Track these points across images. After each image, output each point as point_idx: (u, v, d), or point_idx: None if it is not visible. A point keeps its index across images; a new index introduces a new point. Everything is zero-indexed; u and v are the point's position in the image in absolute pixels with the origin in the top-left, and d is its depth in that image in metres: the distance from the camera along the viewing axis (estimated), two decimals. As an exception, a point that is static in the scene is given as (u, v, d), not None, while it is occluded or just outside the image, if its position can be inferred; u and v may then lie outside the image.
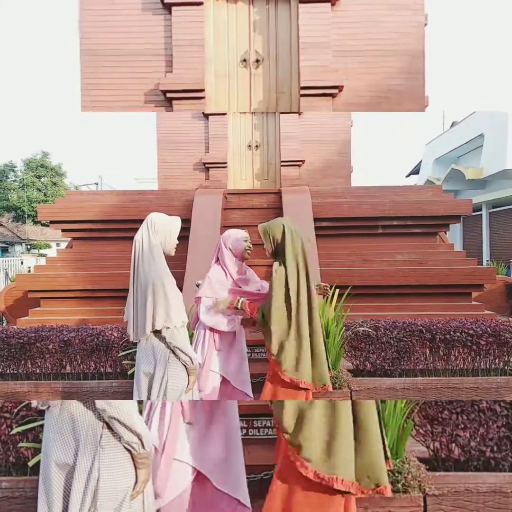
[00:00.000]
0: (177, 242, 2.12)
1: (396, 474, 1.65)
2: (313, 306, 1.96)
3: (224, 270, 2.46)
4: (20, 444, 1.88)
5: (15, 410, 1.92)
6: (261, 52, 6.38)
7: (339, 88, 5.92)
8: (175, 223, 2.13)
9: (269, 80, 6.41)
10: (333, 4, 5.93)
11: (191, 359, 1.95)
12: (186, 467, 1.83)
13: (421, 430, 1.94)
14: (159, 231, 2.05)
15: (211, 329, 2.44)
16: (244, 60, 6.37)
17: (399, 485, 1.62)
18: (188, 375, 1.97)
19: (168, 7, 5.96)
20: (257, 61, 6.35)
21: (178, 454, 1.83)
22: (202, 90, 6.03)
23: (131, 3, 5.97)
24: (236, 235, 2.50)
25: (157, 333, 1.93)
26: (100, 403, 1.27)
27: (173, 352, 1.93)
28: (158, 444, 1.84)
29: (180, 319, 1.95)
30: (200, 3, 5.94)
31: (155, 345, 1.94)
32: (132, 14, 5.98)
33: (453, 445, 1.91)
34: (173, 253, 2.12)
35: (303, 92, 6.02)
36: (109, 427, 1.28)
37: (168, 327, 1.90)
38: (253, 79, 6.42)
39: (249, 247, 2.47)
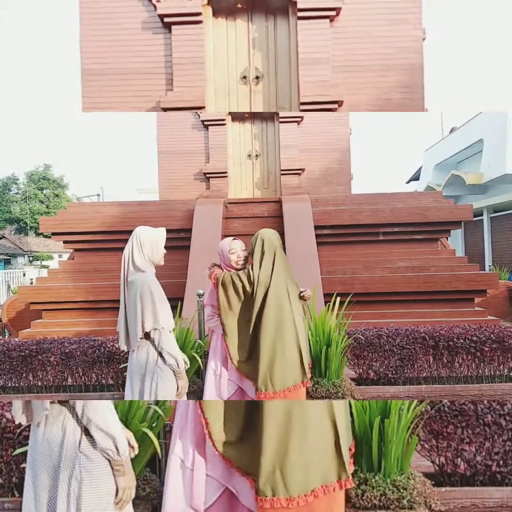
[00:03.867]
0: (164, 251, 2.21)
1: (402, 490, 1.62)
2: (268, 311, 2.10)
3: None
4: (23, 465, 1.87)
5: (18, 431, 1.92)
6: (260, 68, 6.45)
7: (339, 103, 5.96)
8: (160, 234, 2.20)
9: (269, 96, 6.47)
10: (331, 20, 6.00)
11: (176, 361, 2.01)
12: (214, 482, 1.83)
13: (426, 445, 1.92)
14: (145, 244, 2.13)
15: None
16: (244, 77, 6.44)
17: (405, 501, 1.60)
18: (176, 379, 2.04)
19: (168, 26, 6.04)
20: (257, 77, 6.42)
21: (208, 469, 1.83)
22: (202, 107, 6.10)
23: (131, 22, 6.06)
24: (223, 248, 2.52)
25: (147, 337, 2.02)
26: (79, 405, 1.28)
27: (161, 356, 2.01)
28: (186, 460, 1.84)
29: (167, 323, 2.03)
30: (200, 22, 6.02)
31: (145, 351, 2.03)
32: (133, 33, 6.06)
33: (459, 459, 1.88)
34: (162, 263, 2.20)
35: (303, 107, 6.06)
36: (88, 433, 1.30)
37: (156, 329, 1.99)
38: (253, 96, 6.48)
39: (240, 257, 2.47)
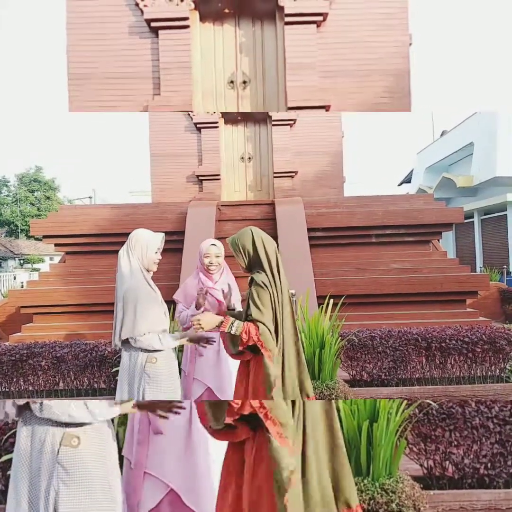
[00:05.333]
0: (158, 257, 2.14)
1: (390, 494, 1.63)
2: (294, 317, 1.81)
3: (198, 277, 2.59)
4: (10, 472, 1.85)
5: (4, 437, 1.89)
6: (248, 73, 6.48)
7: (326, 107, 6.01)
8: (153, 238, 2.12)
9: (257, 101, 6.50)
10: (318, 26, 6.04)
11: (153, 346, 1.99)
12: (157, 481, 1.82)
13: (414, 448, 1.93)
14: (135, 247, 2.09)
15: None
16: (232, 82, 6.46)
17: (393, 505, 1.60)
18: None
19: (155, 31, 6.04)
20: (244, 82, 6.45)
21: (149, 467, 1.83)
22: (190, 112, 6.10)
23: (118, 27, 6.06)
24: (201, 251, 2.57)
25: (131, 343, 2.01)
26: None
27: (148, 361, 2.00)
28: (131, 459, 1.85)
29: (147, 330, 2.00)
30: (187, 26, 6.03)
31: (132, 355, 2.02)
32: (120, 38, 6.05)
33: (447, 462, 1.90)
34: (153, 268, 2.13)
35: (290, 112, 6.10)
36: (66, 443, 1.26)
37: (132, 338, 1.99)
38: (241, 100, 6.50)
39: (212, 263, 2.52)
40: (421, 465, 1.96)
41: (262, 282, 1.73)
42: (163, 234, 2.16)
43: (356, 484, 1.65)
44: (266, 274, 1.76)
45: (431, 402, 1.94)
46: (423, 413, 1.89)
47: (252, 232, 1.86)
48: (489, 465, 1.87)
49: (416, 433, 1.91)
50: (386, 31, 6.05)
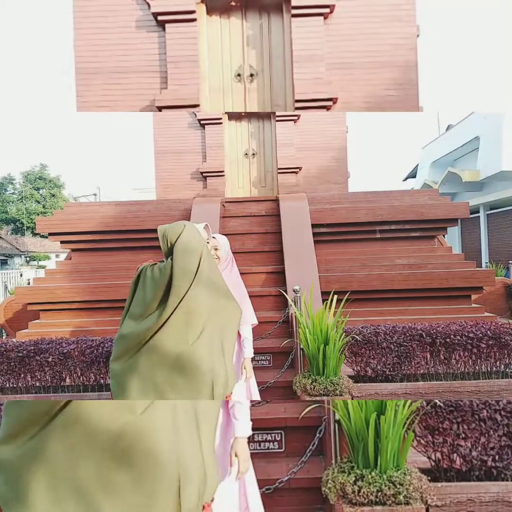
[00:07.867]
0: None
1: (398, 486, 1.64)
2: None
3: None
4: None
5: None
6: (255, 66, 6.47)
7: (333, 100, 5.99)
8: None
9: (264, 94, 6.50)
10: (325, 18, 6.02)
11: None
12: None
13: (422, 441, 1.94)
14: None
15: None
16: (239, 75, 6.45)
17: (401, 497, 1.61)
18: None
19: (162, 24, 6.04)
20: (251, 75, 6.44)
21: None
22: (197, 105, 6.11)
23: (125, 20, 6.07)
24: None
25: None
26: None
27: None
28: None
29: None
30: (194, 20, 6.03)
31: None
32: (127, 32, 6.07)
33: (455, 455, 1.90)
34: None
35: (297, 105, 6.09)
36: None
37: None
38: (248, 94, 6.50)
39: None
40: (428, 457, 1.96)
41: (160, 268, 1.62)
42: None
43: (363, 476, 1.66)
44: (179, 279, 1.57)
45: (437, 401, 1.94)
46: (431, 406, 1.89)
47: (185, 244, 1.64)
48: (497, 457, 1.87)
49: (423, 426, 1.91)
50: (393, 23, 6.01)
